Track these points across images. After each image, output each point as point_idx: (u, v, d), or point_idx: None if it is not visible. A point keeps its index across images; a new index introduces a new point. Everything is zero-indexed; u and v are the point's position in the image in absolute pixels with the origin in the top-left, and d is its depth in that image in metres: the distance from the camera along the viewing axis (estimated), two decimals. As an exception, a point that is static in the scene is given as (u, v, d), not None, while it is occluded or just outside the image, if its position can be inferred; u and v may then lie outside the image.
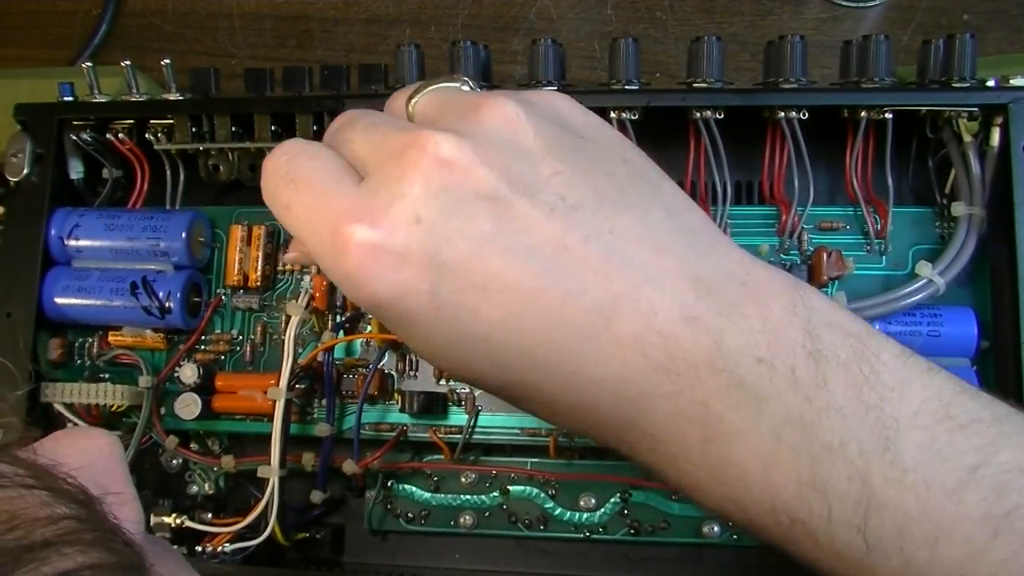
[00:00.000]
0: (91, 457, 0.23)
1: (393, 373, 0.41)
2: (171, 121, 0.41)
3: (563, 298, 0.23)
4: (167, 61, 0.41)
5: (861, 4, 0.51)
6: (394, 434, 0.40)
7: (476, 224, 0.23)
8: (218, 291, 0.42)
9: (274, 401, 0.39)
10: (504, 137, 0.24)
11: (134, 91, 0.41)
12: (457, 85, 0.27)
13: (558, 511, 0.41)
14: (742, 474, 0.23)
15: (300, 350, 0.40)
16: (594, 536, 0.41)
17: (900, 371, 0.23)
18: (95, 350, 0.42)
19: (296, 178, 0.25)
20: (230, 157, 0.42)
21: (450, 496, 0.42)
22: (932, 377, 0.24)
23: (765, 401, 0.23)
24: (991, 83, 0.37)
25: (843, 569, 0.23)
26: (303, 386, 0.40)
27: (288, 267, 0.42)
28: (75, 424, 0.40)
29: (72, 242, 0.41)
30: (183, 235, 0.40)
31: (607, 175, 0.24)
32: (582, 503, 0.41)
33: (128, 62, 0.41)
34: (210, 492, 0.42)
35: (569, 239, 0.23)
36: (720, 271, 0.24)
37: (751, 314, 0.23)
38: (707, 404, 0.23)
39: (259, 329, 0.42)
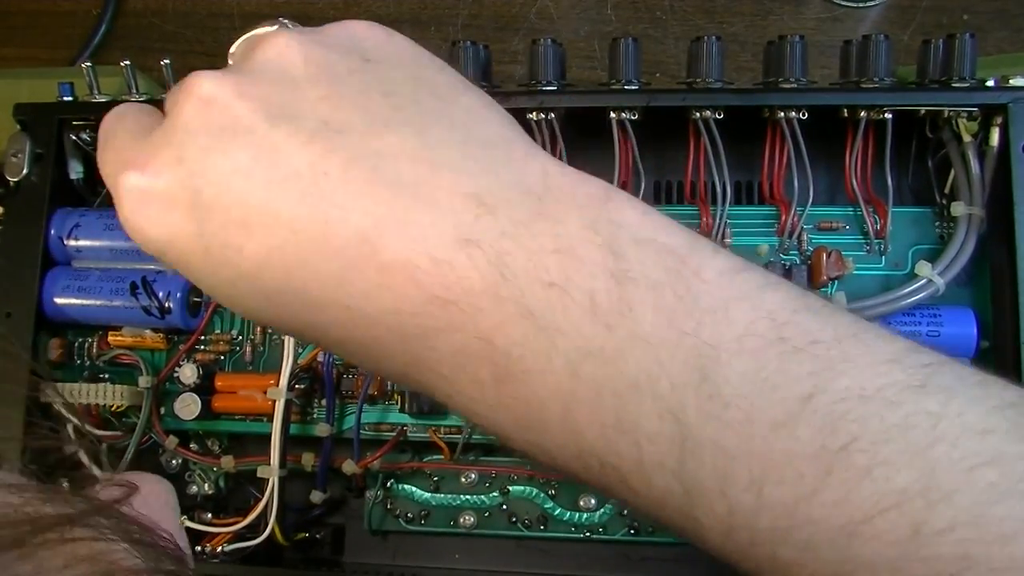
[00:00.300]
0: (150, 506, 0.23)
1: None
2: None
3: (325, 227, 0.21)
4: (167, 61, 0.41)
5: (861, 4, 0.51)
6: (394, 434, 0.40)
7: (233, 159, 0.22)
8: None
9: (274, 401, 0.39)
10: (271, 68, 0.23)
11: (134, 91, 0.41)
12: (267, 28, 0.26)
13: (558, 511, 0.41)
14: (541, 415, 0.21)
15: (300, 350, 0.40)
16: (594, 536, 0.41)
17: (725, 290, 0.21)
18: (95, 350, 0.42)
19: (105, 138, 0.25)
20: (230, 157, 0.42)
21: (450, 496, 0.42)
22: (766, 294, 0.21)
23: (559, 333, 0.20)
24: (991, 83, 0.37)
25: (667, 517, 0.21)
26: (303, 386, 0.40)
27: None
28: (75, 424, 0.40)
29: (72, 242, 0.41)
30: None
31: (385, 95, 0.23)
32: (582, 503, 0.41)
33: (128, 62, 0.41)
34: (210, 492, 0.42)
35: (329, 164, 0.21)
36: (512, 186, 0.22)
37: (541, 232, 0.21)
38: (492, 339, 0.21)
39: (259, 329, 0.42)
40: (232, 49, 0.26)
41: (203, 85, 0.23)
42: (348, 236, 0.21)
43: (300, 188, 0.21)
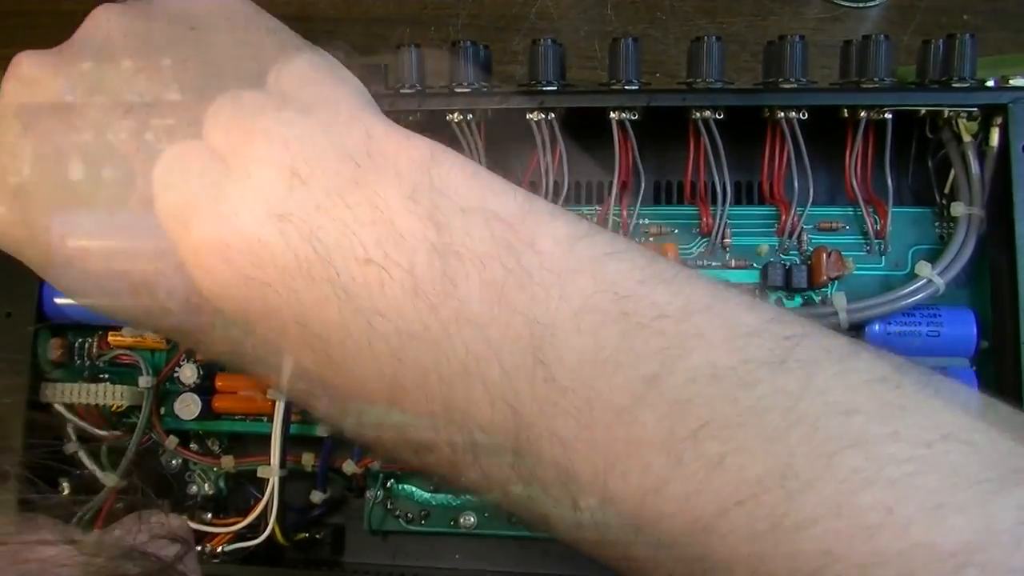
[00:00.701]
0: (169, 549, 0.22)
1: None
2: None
3: (140, 206, 0.20)
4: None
5: (861, 4, 0.51)
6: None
7: (49, 138, 0.21)
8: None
9: (274, 401, 0.39)
10: (92, 43, 0.22)
11: (134, 91, 0.41)
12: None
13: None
14: (368, 403, 0.19)
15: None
16: (594, 536, 0.41)
17: (561, 261, 0.19)
18: (95, 350, 0.42)
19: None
20: (230, 157, 0.42)
21: (450, 496, 0.41)
22: (609, 264, 0.19)
23: (377, 314, 0.18)
24: (991, 83, 0.37)
25: (516, 511, 0.20)
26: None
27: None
28: (76, 424, 0.40)
29: (72, 242, 0.41)
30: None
31: (203, 63, 0.22)
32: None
33: (128, 62, 0.41)
34: (210, 492, 0.42)
35: (142, 140, 0.20)
36: (331, 153, 0.20)
37: (358, 203, 0.19)
38: (308, 323, 0.19)
39: (259, 329, 0.42)
40: None
41: (22, 65, 0.22)
42: (163, 215, 0.20)
43: (116, 165, 0.20)
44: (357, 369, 0.19)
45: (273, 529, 0.39)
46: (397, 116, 0.28)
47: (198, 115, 0.20)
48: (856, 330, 0.37)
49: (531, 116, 0.38)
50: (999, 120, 0.36)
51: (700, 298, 0.18)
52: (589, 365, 0.17)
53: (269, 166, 0.19)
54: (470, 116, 0.38)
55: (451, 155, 0.20)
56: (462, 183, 0.20)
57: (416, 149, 0.20)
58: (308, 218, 0.19)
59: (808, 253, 0.39)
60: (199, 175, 0.20)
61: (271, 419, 0.39)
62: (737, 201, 0.40)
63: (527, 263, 0.18)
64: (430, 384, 0.18)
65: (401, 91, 0.38)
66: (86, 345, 0.42)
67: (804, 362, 0.17)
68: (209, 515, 0.41)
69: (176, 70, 0.21)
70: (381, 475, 0.41)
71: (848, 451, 0.16)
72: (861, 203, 0.38)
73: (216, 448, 0.42)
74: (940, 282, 0.36)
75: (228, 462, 0.40)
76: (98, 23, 0.23)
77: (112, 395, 0.40)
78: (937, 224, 0.39)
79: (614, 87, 0.38)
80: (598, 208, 0.39)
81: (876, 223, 0.39)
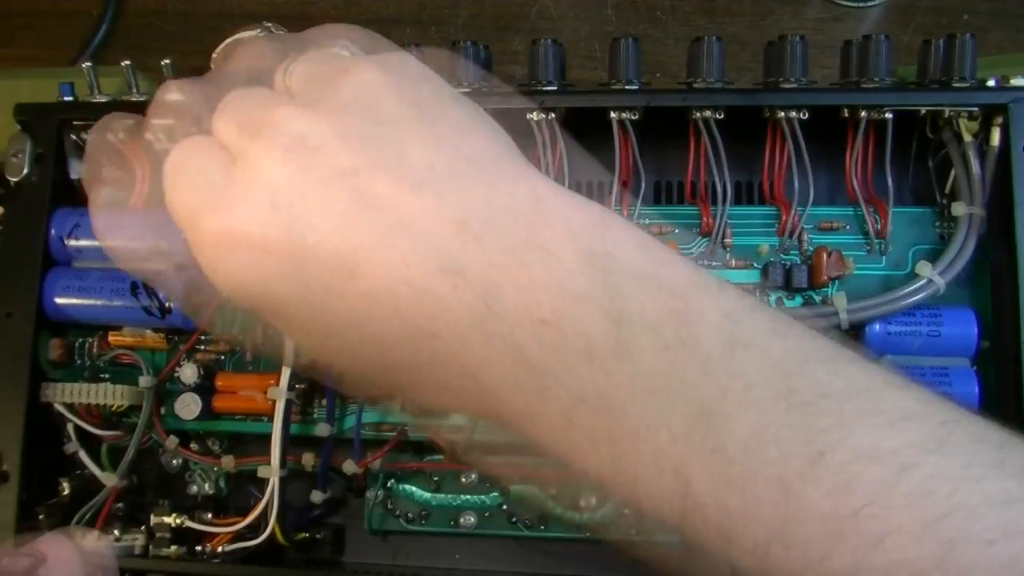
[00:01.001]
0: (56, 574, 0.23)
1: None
2: (171, 121, 0.41)
3: (302, 250, 0.20)
4: (167, 61, 0.41)
5: (861, 4, 0.51)
6: (394, 434, 0.40)
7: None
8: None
9: (274, 401, 0.39)
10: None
11: (134, 91, 0.41)
12: (251, 33, 0.25)
13: (558, 511, 0.41)
14: (543, 456, 0.20)
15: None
16: (594, 536, 0.41)
17: (730, 335, 0.19)
18: (95, 350, 0.42)
19: (170, 174, 0.24)
20: (230, 157, 0.42)
21: (450, 496, 0.41)
22: (774, 341, 0.19)
23: (550, 375, 0.19)
24: (991, 83, 0.37)
25: (672, 568, 0.20)
26: (303, 386, 0.40)
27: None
28: (76, 424, 0.40)
29: (72, 242, 0.41)
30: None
31: (365, 108, 0.21)
32: (582, 503, 0.41)
33: (128, 62, 0.41)
34: (210, 492, 0.42)
35: (306, 183, 0.20)
36: (501, 209, 0.20)
37: (533, 263, 0.19)
38: (478, 377, 0.19)
39: (260, 329, 0.42)
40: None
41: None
42: (326, 260, 0.20)
43: (275, 208, 0.20)
44: (528, 426, 0.19)
45: (273, 529, 0.39)
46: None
47: (362, 163, 0.20)
48: (856, 330, 0.37)
49: (531, 116, 0.38)
50: (999, 120, 0.36)
51: (860, 379, 0.19)
52: (757, 438, 0.18)
53: (440, 220, 0.19)
54: (470, 116, 0.38)
55: (621, 220, 0.21)
56: (633, 249, 0.20)
57: (586, 212, 0.20)
58: (482, 274, 0.19)
59: (808, 253, 0.39)
60: (367, 224, 0.20)
61: (271, 419, 0.39)
62: (737, 201, 0.40)
63: (698, 335, 0.19)
64: (600, 448, 0.19)
65: (401, 91, 0.38)
66: (86, 345, 0.42)
67: (961, 448, 0.18)
68: (209, 515, 0.41)
69: (337, 115, 0.21)
70: (381, 475, 0.41)
71: (1006, 540, 0.17)
72: (861, 203, 0.38)
73: (216, 448, 0.42)
74: (940, 282, 0.36)
75: (228, 462, 0.40)
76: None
77: (112, 395, 0.40)
78: (937, 224, 0.39)
79: (614, 87, 0.38)
80: (598, 208, 0.39)
81: (876, 223, 0.39)
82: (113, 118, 0.25)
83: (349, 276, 0.20)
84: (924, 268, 0.36)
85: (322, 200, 0.20)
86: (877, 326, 0.37)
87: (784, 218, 0.39)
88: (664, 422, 0.18)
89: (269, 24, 0.26)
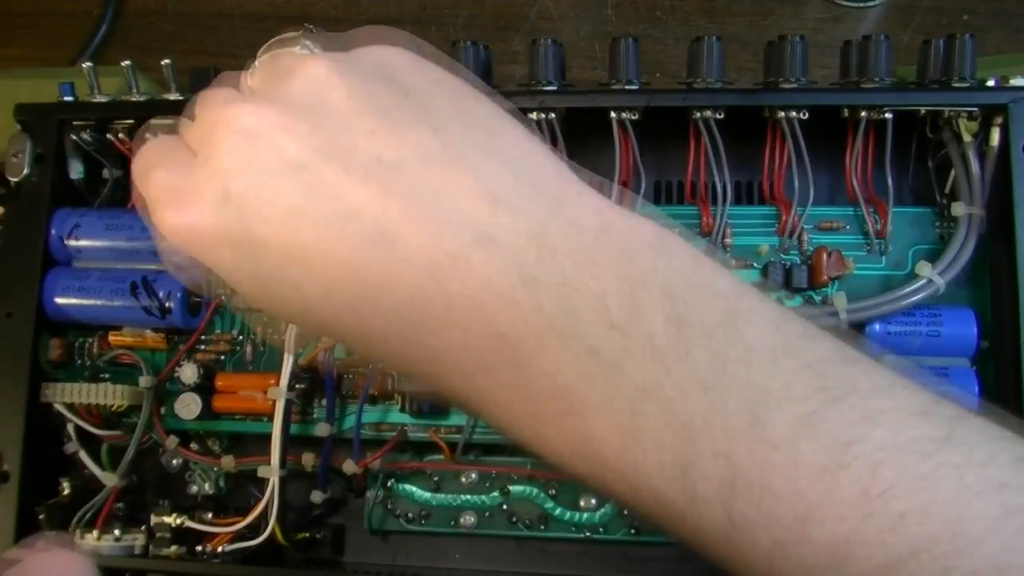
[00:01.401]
0: None
1: (393, 373, 0.41)
2: (171, 121, 0.41)
3: (389, 265, 0.21)
4: (167, 61, 0.41)
5: (861, 4, 0.51)
6: (394, 434, 0.40)
7: (286, 196, 0.22)
8: (218, 291, 0.42)
9: (274, 401, 0.39)
10: (314, 100, 0.23)
11: (134, 91, 0.41)
12: (291, 49, 0.26)
13: (558, 511, 0.41)
14: (600, 449, 0.22)
15: (300, 350, 0.40)
16: (594, 536, 0.41)
17: (772, 338, 0.22)
18: (95, 350, 0.42)
19: (141, 173, 0.25)
20: (230, 157, 0.42)
21: (450, 496, 0.42)
22: (807, 345, 0.22)
23: (620, 372, 0.21)
24: (991, 83, 0.37)
25: (710, 548, 0.22)
26: (303, 386, 0.40)
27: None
28: (76, 424, 0.40)
29: (72, 242, 0.41)
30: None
31: (434, 130, 0.22)
32: (582, 503, 0.41)
33: (128, 62, 0.41)
34: (210, 492, 0.42)
35: (388, 203, 0.21)
36: (569, 224, 0.22)
37: (604, 274, 0.21)
38: (555, 376, 0.21)
39: (259, 329, 0.42)
40: (249, 72, 0.26)
41: (244, 118, 0.22)
42: (412, 273, 0.21)
43: (360, 227, 0.21)
44: (595, 419, 0.21)
45: (273, 529, 0.39)
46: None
47: (442, 182, 0.22)
48: (856, 330, 0.37)
49: (531, 116, 0.38)
50: (999, 120, 0.36)
51: (880, 380, 0.22)
52: (796, 428, 0.21)
53: (517, 234, 0.21)
54: (470, 116, 0.38)
55: (677, 238, 0.23)
56: (689, 260, 0.22)
57: (645, 227, 0.22)
58: (559, 284, 0.21)
59: (808, 253, 0.39)
60: (449, 240, 0.21)
61: (271, 419, 0.39)
62: (737, 201, 0.40)
63: (746, 337, 0.21)
64: (662, 438, 0.21)
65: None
66: (86, 345, 0.42)
67: (965, 440, 0.21)
68: (209, 515, 0.41)
69: (409, 135, 0.22)
70: (381, 475, 0.41)
71: (1005, 517, 0.20)
72: (861, 203, 0.38)
73: (216, 448, 0.42)
74: (940, 282, 0.36)
75: (228, 462, 0.40)
76: (316, 77, 0.23)
77: (112, 395, 0.40)
78: (937, 224, 0.39)
79: (614, 87, 0.38)
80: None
81: (876, 223, 0.39)
82: (163, 142, 0.27)
83: (435, 287, 0.21)
84: (924, 268, 0.36)
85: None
86: (877, 326, 0.37)
87: (784, 218, 0.39)
88: (718, 414, 0.21)
89: (311, 26, 0.26)
